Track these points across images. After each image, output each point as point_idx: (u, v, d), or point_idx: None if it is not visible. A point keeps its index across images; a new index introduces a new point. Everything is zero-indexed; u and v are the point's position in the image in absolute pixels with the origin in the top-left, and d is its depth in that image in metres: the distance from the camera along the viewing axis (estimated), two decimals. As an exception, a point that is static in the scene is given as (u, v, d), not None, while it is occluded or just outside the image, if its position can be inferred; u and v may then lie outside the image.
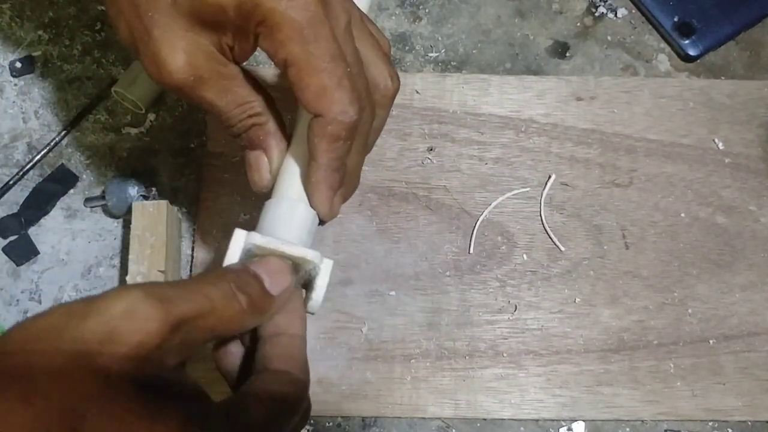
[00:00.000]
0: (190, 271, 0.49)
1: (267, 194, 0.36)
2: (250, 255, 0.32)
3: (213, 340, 0.31)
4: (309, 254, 0.32)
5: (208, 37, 0.32)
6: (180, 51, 0.31)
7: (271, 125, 0.34)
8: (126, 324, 0.24)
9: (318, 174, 0.33)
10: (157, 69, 0.31)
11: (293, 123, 0.37)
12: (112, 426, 0.22)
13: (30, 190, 0.51)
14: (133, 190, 0.49)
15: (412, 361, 0.47)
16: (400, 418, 0.47)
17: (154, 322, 0.24)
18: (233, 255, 0.32)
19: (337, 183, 0.34)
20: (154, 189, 0.51)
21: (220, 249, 0.49)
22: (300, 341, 0.32)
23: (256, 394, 0.28)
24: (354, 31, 0.34)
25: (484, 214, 0.51)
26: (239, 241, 0.32)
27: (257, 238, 0.32)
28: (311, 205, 0.34)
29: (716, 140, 0.52)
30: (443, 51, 0.55)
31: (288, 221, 0.33)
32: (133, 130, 0.53)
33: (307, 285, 0.34)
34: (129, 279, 0.46)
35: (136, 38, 0.32)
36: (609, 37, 0.56)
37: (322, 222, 0.35)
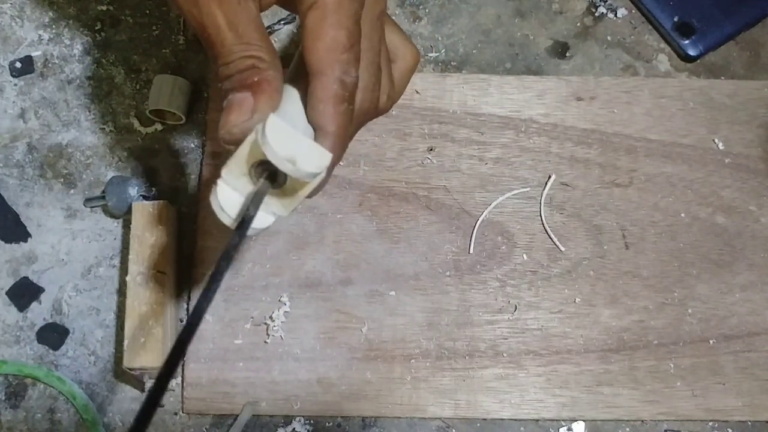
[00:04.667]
0: (190, 271, 0.49)
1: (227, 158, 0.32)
2: (244, 189, 0.30)
3: None
4: (248, 139, 0.29)
5: None
6: None
7: (271, 74, 0.30)
8: None
9: (326, 144, 0.31)
10: None
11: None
12: None
13: (30, 189, 0.52)
14: (133, 190, 0.49)
15: (412, 361, 0.47)
16: (400, 418, 0.47)
17: None
18: (214, 199, 0.30)
19: (343, 150, 0.32)
20: (154, 189, 0.51)
21: (220, 249, 0.49)
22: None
23: None
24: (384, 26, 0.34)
25: (484, 214, 0.51)
26: (220, 186, 0.30)
27: (223, 170, 0.30)
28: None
29: (716, 140, 0.52)
30: (443, 51, 0.55)
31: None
32: (145, 129, 0.53)
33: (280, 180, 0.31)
34: (129, 279, 0.46)
35: None
36: (609, 37, 0.56)
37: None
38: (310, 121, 0.31)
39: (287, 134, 0.28)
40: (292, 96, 0.33)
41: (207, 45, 0.31)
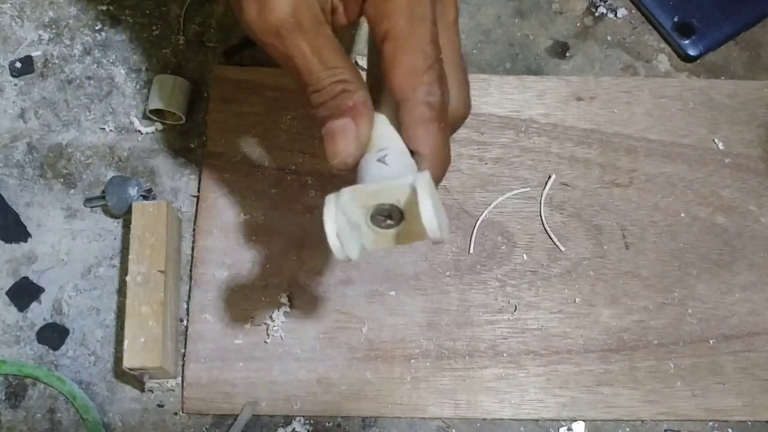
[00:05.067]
0: (190, 271, 0.49)
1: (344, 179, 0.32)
2: (352, 216, 0.29)
3: None
4: (402, 182, 0.28)
5: None
6: None
7: (363, 94, 0.31)
8: None
9: (425, 166, 0.31)
10: (258, 8, 0.30)
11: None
12: None
13: (30, 189, 0.52)
14: (133, 190, 0.49)
15: (412, 361, 0.47)
16: (400, 418, 0.47)
17: None
18: (329, 219, 0.28)
19: (445, 168, 0.33)
20: (154, 189, 0.51)
21: (220, 249, 0.49)
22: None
23: None
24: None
25: (484, 214, 0.51)
26: (330, 205, 0.28)
27: (345, 192, 0.29)
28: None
29: (716, 140, 0.52)
30: (443, 51, 0.55)
31: (380, 165, 0.30)
32: (145, 129, 0.53)
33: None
34: (129, 279, 0.46)
35: None
36: (609, 37, 0.56)
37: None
38: (407, 145, 0.31)
39: (435, 199, 0.28)
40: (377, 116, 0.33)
41: (294, 74, 0.32)
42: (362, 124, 0.31)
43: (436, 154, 0.31)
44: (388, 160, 0.30)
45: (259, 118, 0.52)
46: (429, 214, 0.27)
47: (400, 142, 0.32)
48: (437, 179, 0.32)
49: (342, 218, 0.28)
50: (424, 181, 0.27)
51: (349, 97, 0.31)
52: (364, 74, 0.36)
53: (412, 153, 0.32)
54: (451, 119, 0.33)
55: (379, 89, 0.34)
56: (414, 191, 0.27)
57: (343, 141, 0.31)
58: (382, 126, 0.32)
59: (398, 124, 0.32)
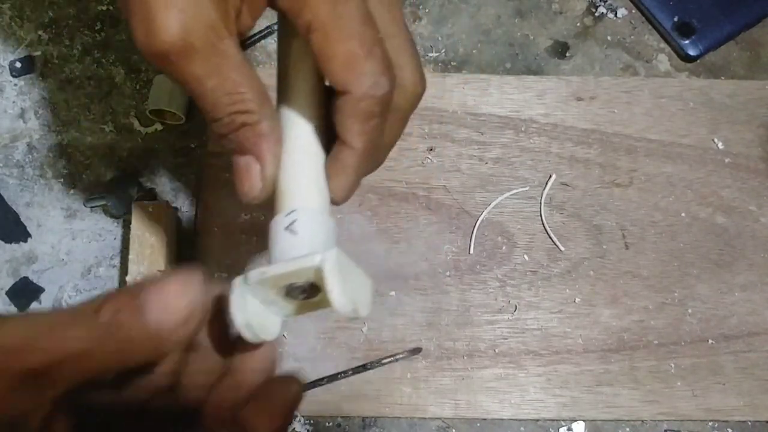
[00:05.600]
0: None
1: (263, 203, 0.30)
2: (266, 296, 0.27)
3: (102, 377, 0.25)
4: (308, 261, 0.26)
5: None
6: (175, 9, 0.26)
7: (265, 126, 0.28)
8: None
9: (350, 159, 0.29)
10: (145, 30, 0.26)
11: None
12: None
13: (30, 189, 0.52)
14: (133, 190, 0.49)
15: (412, 361, 0.47)
16: (400, 418, 0.47)
17: None
18: (236, 310, 0.26)
19: (369, 169, 0.30)
20: (154, 189, 0.51)
21: (220, 249, 0.49)
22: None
23: None
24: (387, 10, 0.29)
25: (484, 214, 0.51)
26: (236, 294, 0.26)
27: (252, 277, 0.26)
28: (330, 188, 0.29)
29: (716, 140, 0.52)
30: (443, 51, 0.55)
31: (302, 236, 0.28)
32: (144, 129, 0.53)
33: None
34: (129, 279, 0.46)
35: None
36: (609, 37, 0.56)
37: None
38: (337, 132, 0.29)
39: (347, 273, 0.26)
40: (289, 130, 0.30)
41: (194, 99, 0.29)
42: (267, 162, 0.28)
43: (368, 150, 0.29)
44: (298, 228, 0.28)
45: (259, 118, 0.52)
46: (338, 299, 0.25)
47: (312, 195, 0.29)
48: (363, 173, 0.30)
49: (254, 301, 0.26)
50: (330, 262, 0.25)
51: (251, 131, 0.28)
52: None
53: (337, 138, 0.29)
54: (406, 100, 0.30)
55: (290, 82, 0.31)
56: (321, 273, 0.25)
57: (248, 182, 0.29)
58: (291, 166, 0.29)
59: (318, 104, 0.30)
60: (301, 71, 0.30)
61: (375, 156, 0.30)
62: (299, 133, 0.30)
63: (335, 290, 0.25)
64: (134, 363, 0.24)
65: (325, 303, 0.26)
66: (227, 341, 0.28)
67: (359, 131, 0.28)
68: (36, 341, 0.22)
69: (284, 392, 0.27)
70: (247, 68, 0.29)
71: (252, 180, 0.29)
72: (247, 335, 0.26)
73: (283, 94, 0.30)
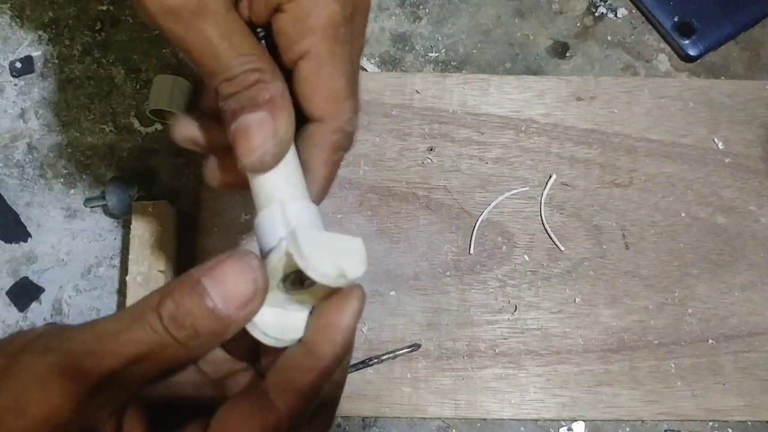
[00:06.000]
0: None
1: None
2: (274, 303, 0.26)
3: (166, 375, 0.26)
4: (272, 257, 0.25)
5: None
6: None
7: (280, 85, 0.27)
8: (36, 393, 0.22)
9: (311, 188, 0.29)
10: None
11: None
12: None
13: (30, 189, 0.52)
14: (133, 190, 0.49)
15: (412, 361, 0.47)
16: (400, 418, 0.47)
17: (64, 391, 0.22)
18: (260, 336, 0.25)
19: (326, 193, 0.31)
20: (154, 189, 0.51)
21: (220, 249, 0.49)
22: (315, 365, 0.24)
23: None
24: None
25: (484, 214, 0.51)
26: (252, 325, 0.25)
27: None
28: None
29: (716, 140, 0.52)
30: (443, 51, 0.55)
31: (277, 227, 0.27)
32: (144, 129, 0.53)
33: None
34: (129, 279, 0.46)
35: None
36: (609, 37, 0.56)
37: None
38: (302, 159, 0.29)
39: (323, 244, 0.25)
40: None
41: (198, 63, 0.27)
42: (281, 118, 0.27)
43: (329, 177, 0.29)
44: (277, 222, 0.27)
45: (259, 118, 0.52)
46: (314, 272, 0.24)
47: (294, 189, 0.28)
48: (321, 199, 0.30)
49: (267, 311, 0.25)
50: (290, 242, 0.25)
51: (265, 88, 0.27)
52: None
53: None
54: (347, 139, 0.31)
55: None
56: (291, 256, 0.24)
57: (260, 136, 0.26)
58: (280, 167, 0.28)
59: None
60: None
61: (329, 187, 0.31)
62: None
63: (307, 265, 0.24)
64: (201, 352, 0.24)
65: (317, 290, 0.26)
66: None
67: (326, 161, 0.29)
68: (105, 347, 0.22)
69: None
70: (257, 40, 0.29)
71: (265, 135, 0.27)
72: (268, 342, 0.25)
73: None
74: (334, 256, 0.25)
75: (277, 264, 0.25)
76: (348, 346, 0.26)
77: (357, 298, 0.25)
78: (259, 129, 0.26)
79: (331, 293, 0.26)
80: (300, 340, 0.26)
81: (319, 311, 0.26)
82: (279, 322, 0.26)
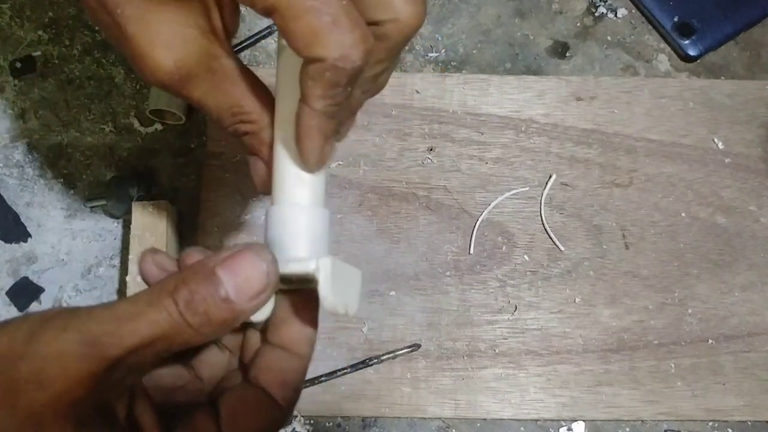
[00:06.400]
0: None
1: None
2: None
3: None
4: (304, 267, 0.27)
5: (194, 17, 0.28)
6: (161, 46, 0.27)
7: (266, 134, 0.30)
8: (55, 369, 0.23)
9: (309, 120, 0.28)
10: (141, 67, 0.28)
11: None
12: None
13: (30, 189, 0.52)
14: (133, 190, 0.49)
15: (412, 361, 0.47)
16: (400, 418, 0.47)
17: (83, 368, 0.23)
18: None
19: (331, 130, 0.29)
20: (154, 189, 0.51)
21: (220, 249, 0.49)
22: (300, 364, 0.28)
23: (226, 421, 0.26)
24: None
25: (484, 214, 0.51)
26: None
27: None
28: (300, 154, 0.29)
29: (716, 140, 0.52)
30: (443, 51, 0.55)
31: (293, 231, 0.29)
32: (144, 129, 0.53)
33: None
34: (129, 279, 0.46)
35: (113, 38, 0.28)
36: (609, 37, 0.56)
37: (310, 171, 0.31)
38: (300, 90, 0.28)
39: (340, 278, 0.28)
40: (284, 130, 0.30)
41: (202, 112, 0.31)
42: (263, 167, 0.31)
43: (330, 112, 0.28)
44: (290, 222, 0.30)
45: (259, 118, 0.52)
46: (331, 304, 0.27)
47: (304, 191, 0.30)
48: (335, 133, 0.30)
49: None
50: (324, 272, 0.27)
51: (254, 138, 0.31)
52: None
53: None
54: (399, 32, 0.28)
55: (281, 80, 0.31)
56: (316, 278, 0.27)
57: (255, 178, 0.32)
58: (283, 163, 0.30)
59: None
60: (291, 73, 0.30)
61: (340, 116, 0.29)
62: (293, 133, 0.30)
63: (328, 296, 0.27)
64: (210, 338, 0.25)
65: (314, 286, 0.28)
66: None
67: (321, 95, 0.27)
68: (123, 327, 0.23)
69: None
70: (247, 78, 0.30)
71: (258, 177, 0.31)
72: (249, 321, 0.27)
73: (278, 95, 0.31)
74: (344, 295, 0.28)
75: (290, 268, 0.27)
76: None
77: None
78: (254, 170, 0.31)
79: (296, 290, 0.29)
80: (266, 323, 0.29)
81: (292, 320, 0.29)
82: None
